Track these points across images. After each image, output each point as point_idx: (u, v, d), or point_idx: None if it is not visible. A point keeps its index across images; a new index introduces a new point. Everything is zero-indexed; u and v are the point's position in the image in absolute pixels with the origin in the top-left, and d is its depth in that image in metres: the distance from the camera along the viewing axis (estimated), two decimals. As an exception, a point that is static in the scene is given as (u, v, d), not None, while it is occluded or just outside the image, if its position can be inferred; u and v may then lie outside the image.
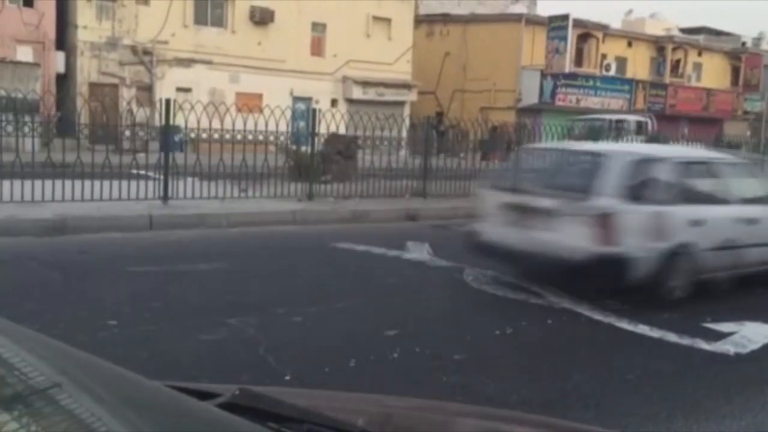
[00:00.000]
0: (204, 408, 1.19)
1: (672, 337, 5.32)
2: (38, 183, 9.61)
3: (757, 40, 52.54)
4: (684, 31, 48.92)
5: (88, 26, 25.55)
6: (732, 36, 52.48)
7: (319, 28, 30.39)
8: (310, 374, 4.19)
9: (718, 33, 53.75)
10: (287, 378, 4.09)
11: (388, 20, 32.03)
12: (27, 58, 24.41)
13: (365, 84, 30.96)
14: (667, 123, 34.32)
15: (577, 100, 34.82)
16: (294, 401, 1.31)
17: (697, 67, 42.38)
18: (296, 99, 28.27)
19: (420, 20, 35.46)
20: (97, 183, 9.90)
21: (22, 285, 6.12)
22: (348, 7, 30.38)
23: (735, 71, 43.82)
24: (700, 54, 42.67)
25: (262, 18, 28.57)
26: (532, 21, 35.81)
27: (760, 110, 44.24)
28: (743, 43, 48.88)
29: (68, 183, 9.74)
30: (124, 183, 10.20)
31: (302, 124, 20.63)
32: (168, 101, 10.79)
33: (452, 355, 4.67)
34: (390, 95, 31.10)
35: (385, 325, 5.26)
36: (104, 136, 11.80)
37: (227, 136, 11.43)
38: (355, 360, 4.46)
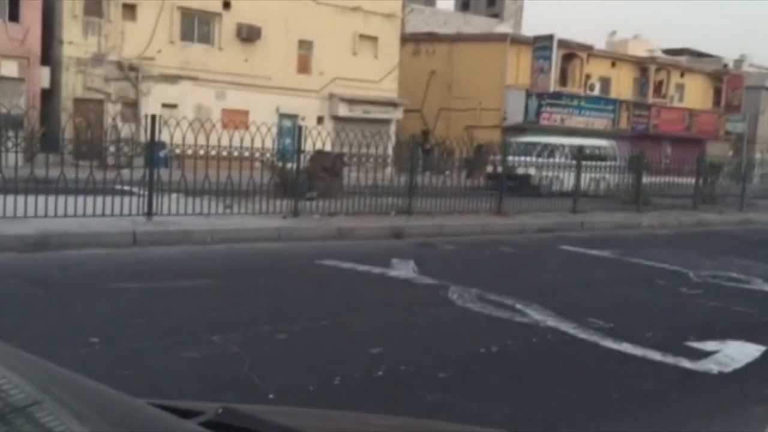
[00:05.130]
0: (187, 427, 1.18)
1: (656, 355, 5.33)
2: (21, 198, 9.53)
3: (739, 62, 53.32)
4: (667, 52, 49.59)
5: (74, 42, 25.51)
6: (714, 57, 53.26)
7: (305, 45, 30.51)
8: (294, 392, 4.16)
9: (700, 55, 54.57)
10: (271, 396, 4.06)
11: (374, 38, 32.22)
12: (11, 73, 24.31)
13: (351, 101, 31.08)
14: (651, 143, 34.65)
15: (562, 120, 35.10)
16: (278, 420, 1.31)
17: (680, 88, 42.91)
18: (282, 116, 28.32)
19: (406, 39, 35.71)
20: (80, 199, 9.83)
21: (3, 301, 6.05)
22: (335, 25, 30.55)
23: (717, 92, 44.41)
24: (682, 75, 43.23)
25: (248, 35, 28.66)
26: (517, 41, 36.18)
27: (741, 131, 44.86)
28: (725, 65, 49.58)
29: (51, 198, 9.67)
30: (108, 199, 10.13)
31: (288, 140, 20.64)
32: (153, 117, 10.77)
33: (437, 373, 4.65)
34: (376, 113, 31.23)
35: (369, 343, 5.24)
36: (88, 151, 11.75)
37: (213, 153, 11.41)
38: (339, 378, 4.43)
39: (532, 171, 18.33)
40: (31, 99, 23.51)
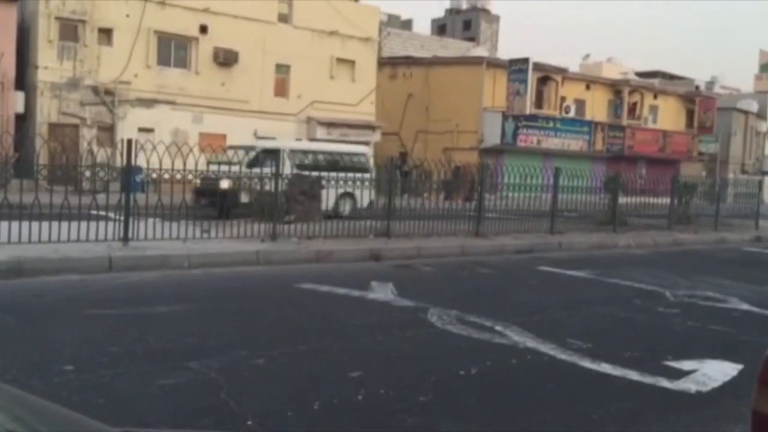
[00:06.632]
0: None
1: (634, 375, 5.36)
2: (-6, 224, 9.41)
3: (710, 83, 54.40)
4: (640, 74, 50.48)
5: (49, 66, 25.37)
6: (686, 80, 54.31)
7: (283, 69, 30.60)
8: (273, 418, 4.12)
9: (672, 77, 55.60)
10: (249, 423, 4.01)
11: (351, 62, 32.40)
12: (-15, 98, 24.09)
13: (329, 125, 31.15)
14: (626, 164, 35.06)
15: (538, 141, 35.43)
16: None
17: (653, 109, 43.54)
18: (260, 139, 28.26)
19: (383, 62, 35.98)
20: (55, 224, 9.71)
21: (-25, 329, 5.94)
22: (312, 49, 30.70)
23: (689, 114, 45.13)
24: (655, 97, 43.89)
25: (226, 59, 28.70)
26: (493, 64, 36.57)
27: (714, 151, 45.57)
28: (697, 87, 50.52)
29: (25, 224, 9.53)
30: (84, 224, 10.02)
31: (266, 164, 20.54)
32: (129, 141, 10.70)
33: (417, 396, 4.63)
34: (354, 136, 31.28)
35: (349, 367, 5.21)
36: (63, 176, 11.65)
37: (190, 177, 11.35)
38: (318, 403, 4.40)
39: (225, 185, 13.42)
40: (5, 124, 23.27)
